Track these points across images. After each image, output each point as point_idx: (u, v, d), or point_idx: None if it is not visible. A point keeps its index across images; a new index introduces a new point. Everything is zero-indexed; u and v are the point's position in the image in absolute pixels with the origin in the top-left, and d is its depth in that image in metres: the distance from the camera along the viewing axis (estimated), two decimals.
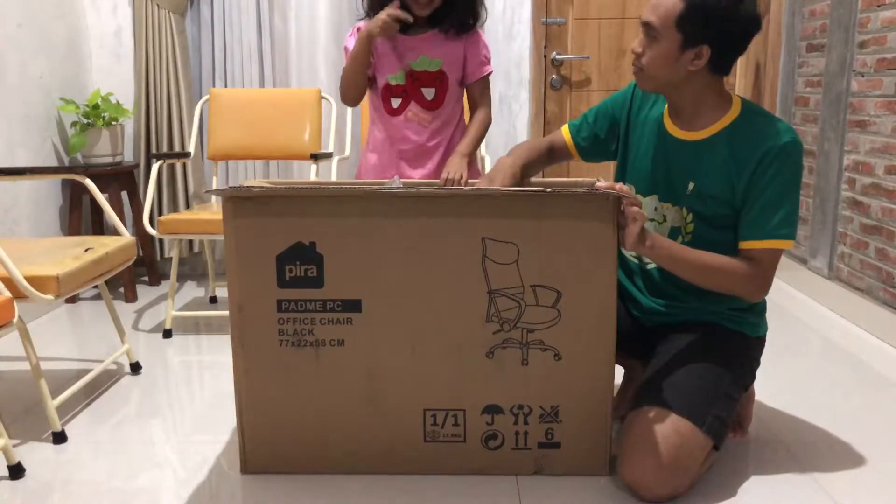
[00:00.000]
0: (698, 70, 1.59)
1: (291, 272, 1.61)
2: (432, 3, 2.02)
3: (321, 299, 1.62)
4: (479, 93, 2.22)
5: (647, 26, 1.59)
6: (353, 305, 1.63)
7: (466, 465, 1.69)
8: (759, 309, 1.78)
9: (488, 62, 2.20)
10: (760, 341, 1.79)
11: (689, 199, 1.69)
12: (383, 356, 1.64)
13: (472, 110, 2.24)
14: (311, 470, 1.70)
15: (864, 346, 2.58)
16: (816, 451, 1.83)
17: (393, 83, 2.13)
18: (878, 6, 2.67)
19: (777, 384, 2.21)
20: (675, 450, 1.53)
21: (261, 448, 1.70)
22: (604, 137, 1.86)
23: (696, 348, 1.69)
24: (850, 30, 2.84)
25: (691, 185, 1.68)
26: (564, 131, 1.92)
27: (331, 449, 1.69)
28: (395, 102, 2.15)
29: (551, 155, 1.93)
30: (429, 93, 2.14)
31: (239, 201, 1.58)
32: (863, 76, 2.78)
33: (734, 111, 1.64)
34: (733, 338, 1.73)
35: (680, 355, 1.69)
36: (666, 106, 1.74)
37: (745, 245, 1.62)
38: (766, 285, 1.62)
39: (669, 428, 1.54)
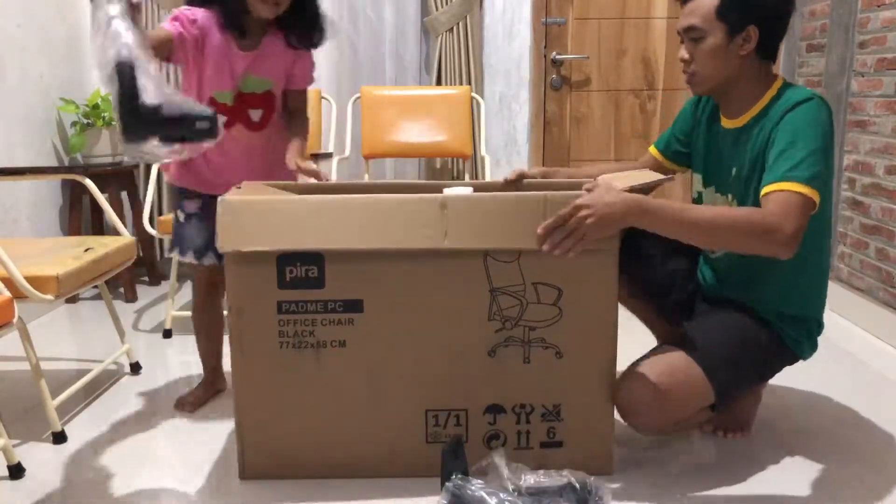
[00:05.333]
0: (748, 56, 1.64)
1: (292, 273, 1.59)
2: (280, 6, 1.77)
3: (322, 300, 1.60)
4: (302, 101, 1.99)
5: (689, 30, 1.64)
6: (355, 305, 1.61)
7: (469, 466, 1.68)
8: (812, 327, 1.79)
9: (312, 79, 1.99)
10: (790, 353, 1.77)
11: (733, 186, 1.73)
12: (385, 356, 1.63)
13: (295, 115, 1.97)
14: (312, 474, 1.68)
15: (864, 346, 2.58)
16: (816, 451, 1.83)
17: (220, 101, 1.86)
18: (878, 6, 2.67)
19: (777, 384, 2.21)
20: (674, 382, 1.59)
21: (260, 454, 1.68)
22: (686, 145, 1.92)
23: (733, 324, 1.73)
24: (850, 30, 2.84)
25: (734, 171, 1.72)
26: (652, 150, 1.98)
27: (331, 452, 1.68)
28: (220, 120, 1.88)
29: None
30: (255, 114, 1.91)
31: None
32: (863, 76, 2.78)
33: (771, 92, 1.68)
34: (772, 339, 1.73)
35: (715, 321, 1.74)
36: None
37: (762, 192, 1.56)
38: (787, 230, 1.47)
39: (681, 365, 1.62)
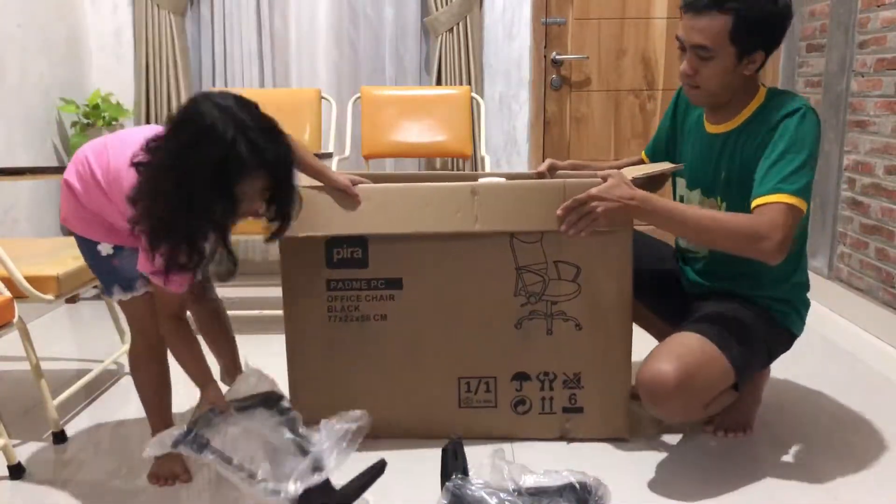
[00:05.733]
0: (749, 74, 1.68)
1: (339, 254, 1.77)
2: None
3: (366, 278, 1.78)
4: None
5: (698, 48, 1.65)
6: (395, 283, 1.78)
7: (497, 430, 1.82)
8: (799, 305, 1.83)
9: None
10: (785, 331, 1.81)
11: (722, 188, 1.76)
12: (422, 328, 1.80)
13: None
14: None
15: (864, 346, 2.58)
16: (816, 451, 1.83)
17: None
18: (878, 6, 2.67)
19: (777, 384, 2.21)
20: (693, 364, 1.60)
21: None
22: (670, 154, 1.99)
23: (731, 307, 1.77)
24: (850, 30, 2.84)
25: (723, 174, 1.76)
26: (643, 156, 2.08)
27: (373, 415, 1.70)
28: None
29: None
30: None
31: None
32: (863, 76, 2.78)
33: (759, 98, 1.72)
34: (767, 318, 1.78)
35: (714, 308, 1.79)
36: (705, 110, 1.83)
37: (753, 203, 1.62)
38: (775, 239, 1.55)
39: (696, 345, 1.64)
